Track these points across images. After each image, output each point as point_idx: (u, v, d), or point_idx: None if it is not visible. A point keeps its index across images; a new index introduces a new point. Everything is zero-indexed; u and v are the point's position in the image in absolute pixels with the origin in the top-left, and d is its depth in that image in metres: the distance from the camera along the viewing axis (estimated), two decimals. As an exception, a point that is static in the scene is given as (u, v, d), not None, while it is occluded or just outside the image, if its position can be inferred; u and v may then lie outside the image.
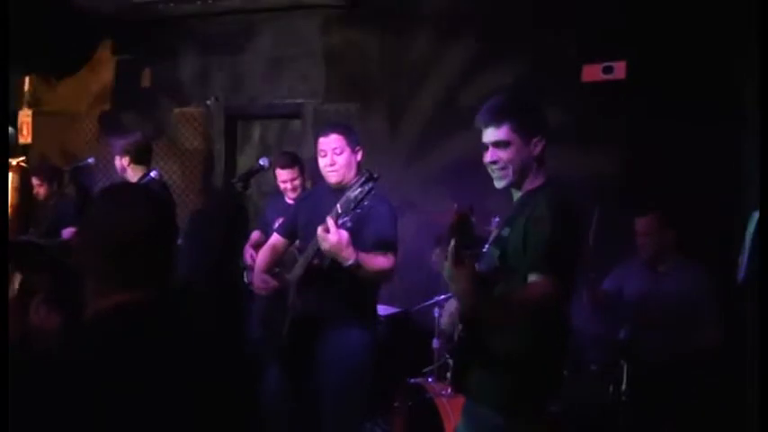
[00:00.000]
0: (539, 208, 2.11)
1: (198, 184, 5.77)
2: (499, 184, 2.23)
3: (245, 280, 4.41)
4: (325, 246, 2.86)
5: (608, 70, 4.19)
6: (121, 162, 4.22)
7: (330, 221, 2.83)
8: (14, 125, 6.36)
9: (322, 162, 3.20)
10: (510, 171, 2.19)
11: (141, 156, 4.22)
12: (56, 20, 5.68)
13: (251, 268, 4.33)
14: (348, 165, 3.18)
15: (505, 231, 2.21)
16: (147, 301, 1.47)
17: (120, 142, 4.24)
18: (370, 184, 2.86)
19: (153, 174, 4.10)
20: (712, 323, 3.36)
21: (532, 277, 2.04)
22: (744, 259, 2.85)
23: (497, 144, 2.19)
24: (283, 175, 4.26)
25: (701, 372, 3.28)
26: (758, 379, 2.14)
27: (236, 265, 4.52)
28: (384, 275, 3.16)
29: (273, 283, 3.26)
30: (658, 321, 3.40)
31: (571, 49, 4.33)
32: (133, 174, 4.21)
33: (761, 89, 2.77)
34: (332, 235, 2.81)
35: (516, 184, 2.22)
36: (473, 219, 2.10)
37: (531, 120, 2.20)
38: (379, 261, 3.07)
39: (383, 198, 3.17)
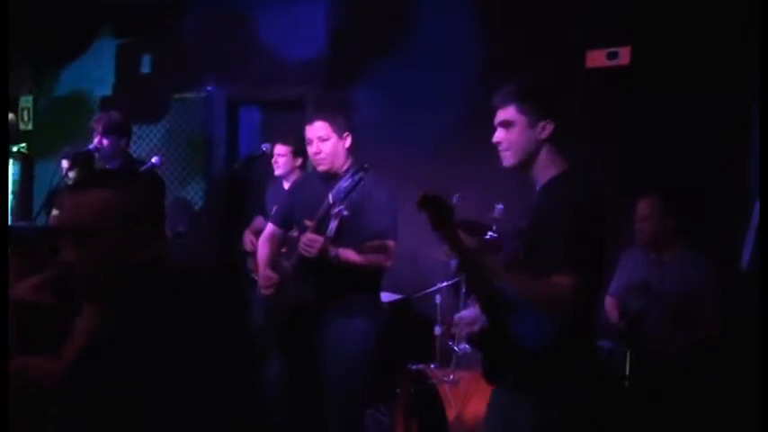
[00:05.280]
0: (558, 199, 2.10)
1: (199, 170, 5.75)
2: (505, 164, 2.24)
3: (249, 266, 4.41)
4: (311, 253, 2.98)
5: (612, 56, 4.15)
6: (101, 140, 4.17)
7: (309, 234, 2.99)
8: (15, 111, 6.35)
9: (309, 150, 3.20)
10: (512, 152, 2.21)
11: (113, 131, 4.18)
12: (56, 4, 5.65)
13: (251, 254, 4.34)
14: (335, 152, 3.16)
15: (524, 223, 2.20)
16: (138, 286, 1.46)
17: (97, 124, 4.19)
18: (361, 175, 2.88)
19: (154, 160, 4.07)
20: (716, 310, 3.35)
21: (555, 278, 2.01)
22: (747, 246, 2.84)
23: (502, 123, 2.22)
24: (276, 149, 4.36)
25: (704, 358, 3.27)
26: (761, 365, 2.13)
27: (238, 252, 4.52)
28: (381, 266, 3.17)
29: (275, 278, 3.26)
30: (662, 309, 3.39)
31: (575, 34, 4.29)
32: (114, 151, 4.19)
33: (761, 76, 2.74)
34: (314, 246, 2.96)
35: (523, 167, 2.22)
36: (451, 199, 2.10)
37: (538, 103, 2.20)
38: (367, 257, 3.10)
39: (383, 186, 3.16)
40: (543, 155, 2.20)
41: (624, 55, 4.11)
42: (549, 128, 2.18)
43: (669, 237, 3.50)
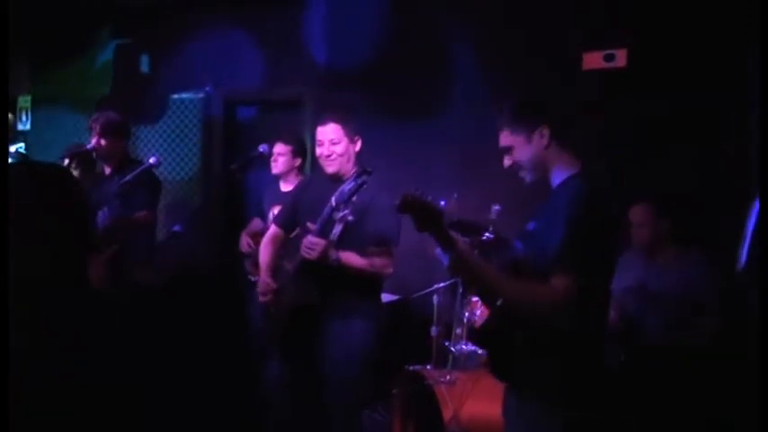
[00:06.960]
0: (563, 201, 2.07)
1: (196, 170, 5.75)
2: (528, 182, 2.25)
3: (246, 268, 4.40)
4: (312, 256, 2.99)
5: (609, 58, 4.16)
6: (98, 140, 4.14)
7: (310, 237, 3.01)
8: (14, 111, 6.35)
9: (319, 151, 3.19)
10: (526, 171, 2.22)
11: (111, 132, 4.16)
12: (55, 4, 5.65)
13: (248, 256, 4.34)
14: (345, 155, 3.16)
15: (531, 225, 2.19)
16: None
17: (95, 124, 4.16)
18: (363, 178, 2.89)
19: (152, 160, 4.07)
20: (713, 311, 3.35)
21: (553, 280, 1.98)
22: (745, 247, 2.85)
23: (503, 150, 2.24)
24: (276, 148, 4.34)
25: (703, 359, 3.28)
26: (761, 365, 2.14)
27: (235, 253, 4.52)
28: (382, 273, 3.17)
29: (274, 287, 3.27)
30: (659, 309, 3.40)
31: (571, 37, 4.30)
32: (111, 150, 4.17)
33: (761, 76, 2.75)
34: (315, 249, 2.97)
35: (541, 178, 2.22)
36: (424, 197, 2.09)
37: (523, 117, 2.20)
38: (368, 262, 3.11)
39: (387, 191, 3.17)
40: (553, 157, 2.18)
41: (621, 57, 4.12)
42: (546, 133, 2.17)
43: (665, 239, 3.51)
